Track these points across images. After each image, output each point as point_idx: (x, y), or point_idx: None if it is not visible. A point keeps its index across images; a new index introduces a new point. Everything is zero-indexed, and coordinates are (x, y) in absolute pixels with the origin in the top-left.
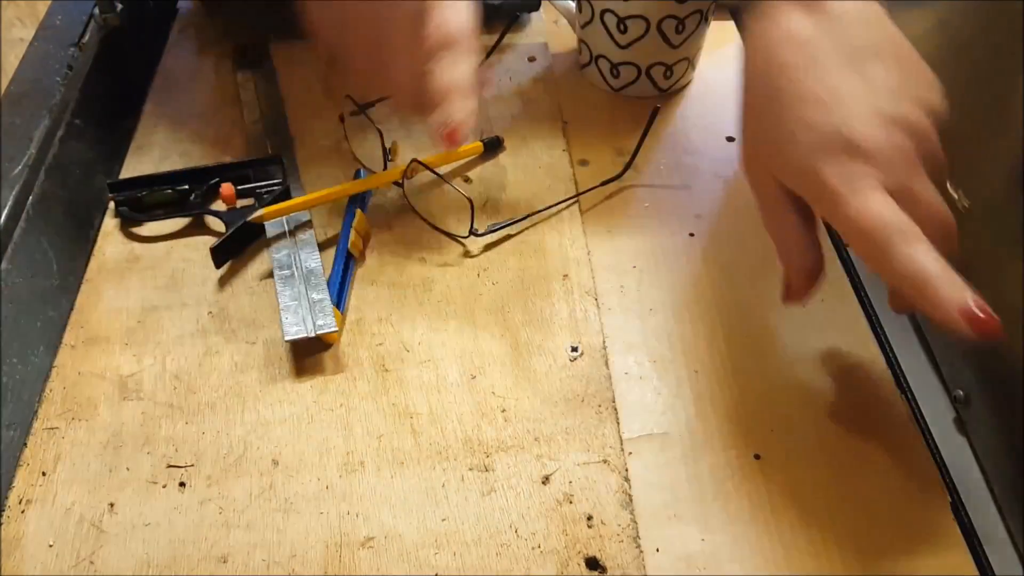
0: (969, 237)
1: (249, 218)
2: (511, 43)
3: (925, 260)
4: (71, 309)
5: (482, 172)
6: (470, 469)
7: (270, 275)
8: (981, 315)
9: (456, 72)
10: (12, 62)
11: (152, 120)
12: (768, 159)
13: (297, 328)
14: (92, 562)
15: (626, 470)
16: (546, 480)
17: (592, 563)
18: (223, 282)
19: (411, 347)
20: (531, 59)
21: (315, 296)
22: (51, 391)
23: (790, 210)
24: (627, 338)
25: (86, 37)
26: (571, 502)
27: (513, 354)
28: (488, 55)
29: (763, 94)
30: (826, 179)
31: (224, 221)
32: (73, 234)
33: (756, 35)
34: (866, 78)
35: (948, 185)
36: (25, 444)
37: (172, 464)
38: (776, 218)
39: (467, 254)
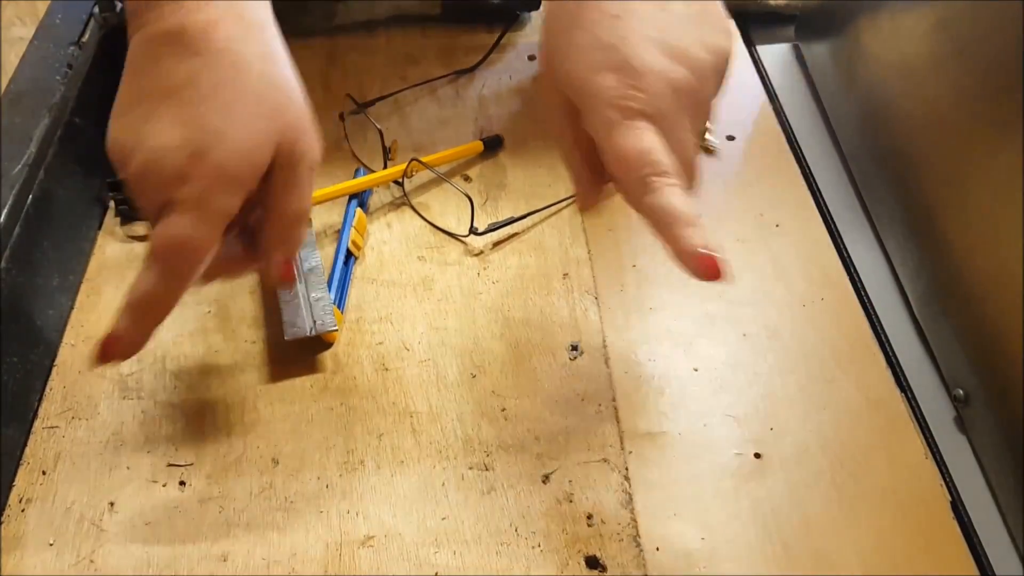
0: (970, 237)
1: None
2: (511, 42)
3: (674, 200)
4: (71, 308)
5: (482, 171)
6: (470, 468)
7: None
8: (711, 260)
9: (148, 287)
10: (12, 61)
11: None
12: (556, 70)
13: (297, 327)
14: (92, 561)
15: (626, 469)
16: (546, 479)
17: (592, 562)
18: (223, 281)
19: (411, 346)
20: (531, 58)
21: (315, 295)
22: (51, 390)
23: (568, 127)
24: (628, 337)
25: (86, 36)
26: (571, 501)
27: (513, 353)
28: (488, 54)
29: (564, 9)
30: (599, 98)
31: None
32: (73, 233)
33: None
34: (665, 8)
35: (708, 127)
36: (25, 443)
37: (172, 463)
38: (559, 130)
39: (467, 253)
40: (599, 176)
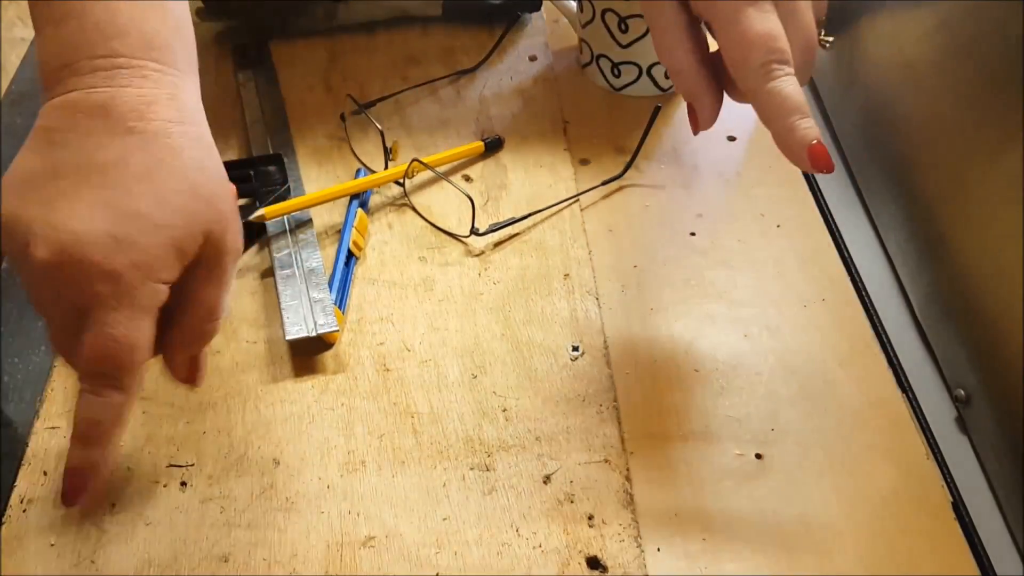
0: (970, 237)
1: (250, 217)
2: (512, 42)
3: (791, 91)
4: None
5: (483, 171)
6: (471, 468)
7: (271, 274)
8: (823, 150)
9: (98, 409)
10: (13, 61)
11: None
12: None
13: (298, 327)
14: (93, 561)
15: (627, 469)
16: (547, 479)
17: (593, 562)
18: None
19: (412, 346)
20: (532, 58)
21: (316, 295)
22: (52, 390)
23: (684, 34)
24: (628, 337)
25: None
26: (572, 501)
27: (514, 353)
28: (489, 55)
29: None
30: None
31: None
32: None
33: None
34: None
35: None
36: (27, 443)
37: (173, 463)
38: (671, 42)
39: (468, 253)
40: (714, 85)
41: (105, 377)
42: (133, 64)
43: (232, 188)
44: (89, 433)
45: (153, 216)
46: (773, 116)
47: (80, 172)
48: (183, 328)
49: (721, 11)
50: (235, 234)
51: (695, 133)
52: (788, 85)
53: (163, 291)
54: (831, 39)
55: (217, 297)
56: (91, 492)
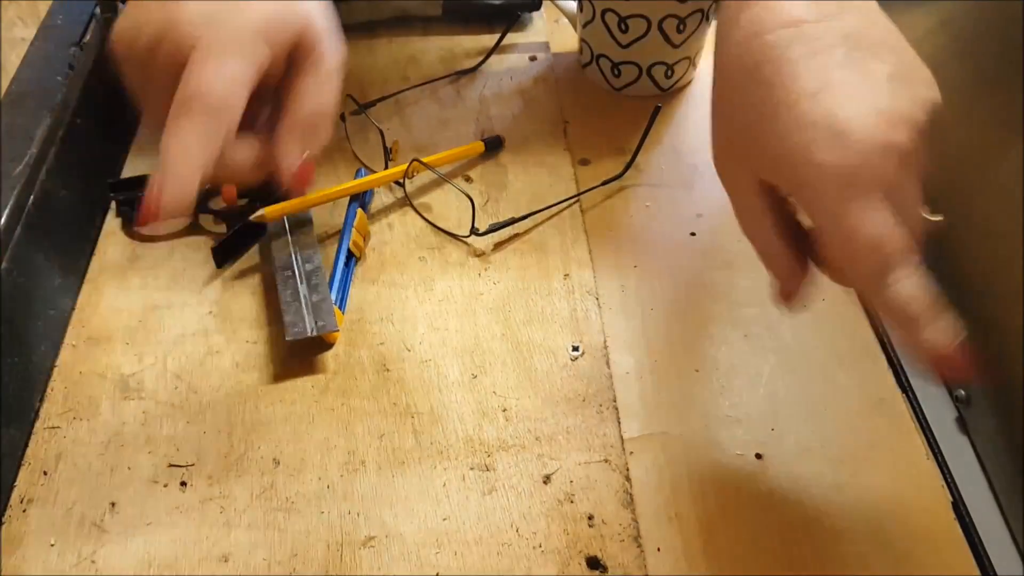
0: (971, 236)
1: (250, 218)
2: (512, 42)
3: (910, 296)
4: (72, 308)
5: (483, 171)
6: (471, 468)
7: (271, 275)
8: (956, 358)
9: (189, 135)
10: (13, 62)
11: None
12: (749, 153)
13: (298, 328)
14: (93, 561)
15: (627, 469)
16: (547, 479)
17: (593, 562)
18: (224, 282)
19: (412, 346)
20: (532, 58)
21: (316, 296)
22: (52, 390)
23: (768, 212)
24: (628, 337)
25: (87, 36)
26: (572, 501)
27: (514, 353)
28: (489, 55)
29: (745, 83)
30: (822, 177)
31: (225, 221)
32: (74, 234)
33: (739, 17)
34: (866, 72)
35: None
36: (27, 443)
37: (173, 463)
38: (753, 221)
39: (468, 253)
40: (803, 262)
41: (198, 107)
42: None
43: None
44: (177, 160)
45: (249, 7)
46: (895, 324)
47: None
48: (292, 125)
49: (822, 208)
50: (330, 43)
51: (783, 308)
52: (906, 289)
53: (251, 66)
54: (940, 217)
55: (322, 96)
56: (161, 220)
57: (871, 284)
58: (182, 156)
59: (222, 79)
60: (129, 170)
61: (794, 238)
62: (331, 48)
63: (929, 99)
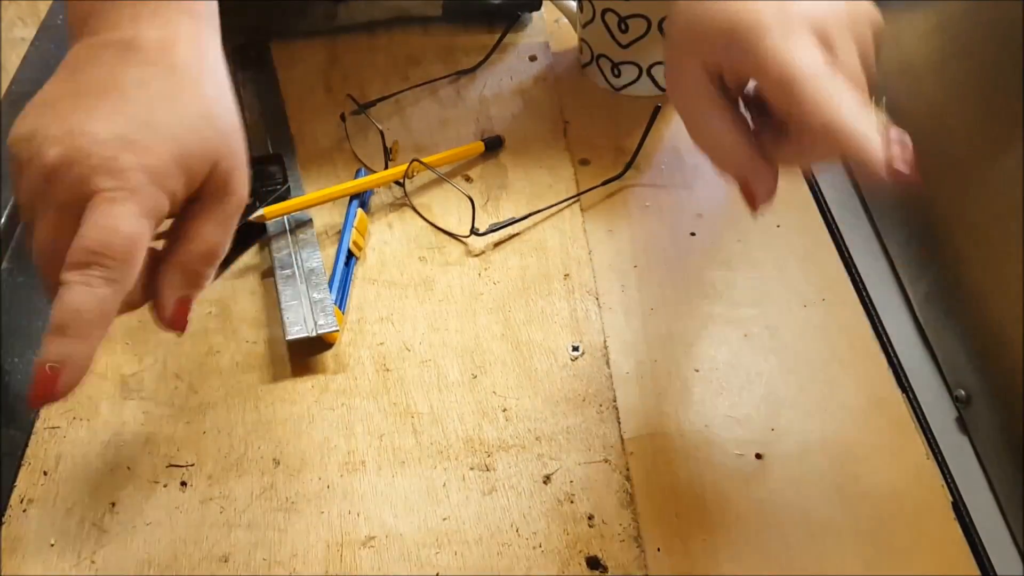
0: (971, 237)
1: (250, 218)
2: (512, 42)
3: (850, 100)
4: None
5: (483, 171)
6: (471, 468)
7: (271, 274)
8: (904, 153)
9: (84, 299)
10: (14, 61)
11: None
12: (699, 35)
13: (298, 328)
14: (93, 561)
15: (627, 469)
16: (547, 479)
17: (593, 562)
18: (224, 282)
19: (412, 346)
20: (532, 58)
21: (316, 295)
22: None
23: (718, 100)
24: (628, 338)
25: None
26: (572, 501)
27: (514, 353)
28: (489, 55)
29: None
30: (759, 22)
31: None
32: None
33: None
34: None
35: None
36: (27, 443)
37: (173, 463)
38: (704, 116)
39: (468, 253)
40: (759, 156)
41: (97, 267)
42: (157, 8)
43: (242, 139)
44: (69, 323)
45: (167, 127)
46: (840, 133)
47: (101, 89)
48: (177, 264)
49: (759, 54)
50: (241, 178)
51: (755, 212)
52: (844, 94)
53: (164, 201)
54: (883, 100)
55: (217, 238)
56: (59, 395)
57: (816, 110)
58: (76, 322)
59: (124, 235)
60: None
61: (750, 137)
62: (239, 183)
63: (866, 6)
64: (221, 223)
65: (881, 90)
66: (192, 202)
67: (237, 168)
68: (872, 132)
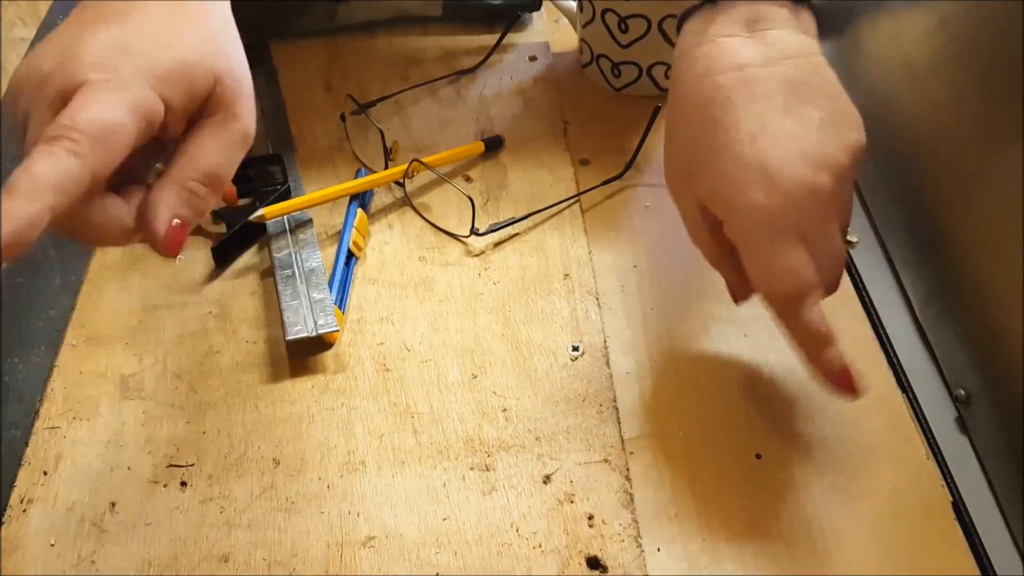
0: (971, 237)
1: (250, 218)
2: (512, 43)
3: (816, 322)
4: (72, 308)
5: (483, 171)
6: (471, 468)
7: (271, 275)
8: (848, 377)
9: (42, 164)
10: (13, 61)
11: None
12: (692, 182)
13: (298, 328)
14: (93, 561)
15: (627, 470)
16: (547, 479)
17: (593, 562)
18: (224, 282)
19: (412, 346)
20: (532, 58)
21: (316, 295)
22: (52, 390)
23: (709, 230)
24: (628, 337)
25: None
26: (572, 501)
27: (514, 353)
28: (489, 55)
29: (695, 117)
30: (747, 216)
31: (225, 221)
32: None
33: (695, 53)
34: (800, 118)
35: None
36: (27, 443)
37: (173, 463)
38: (697, 235)
39: (468, 253)
40: (743, 272)
41: (65, 140)
42: None
43: (247, 69)
44: (20, 182)
45: (168, 39)
46: (801, 345)
47: (105, 15)
48: (175, 180)
49: (744, 244)
50: (246, 105)
51: (737, 303)
52: (814, 316)
53: (156, 102)
54: (855, 239)
55: (218, 159)
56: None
57: (785, 310)
58: (28, 183)
59: (100, 116)
60: None
61: (724, 255)
62: (244, 109)
63: (855, 142)
64: (223, 146)
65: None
66: (195, 125)
67: (241, 93)
68: (828, 360)
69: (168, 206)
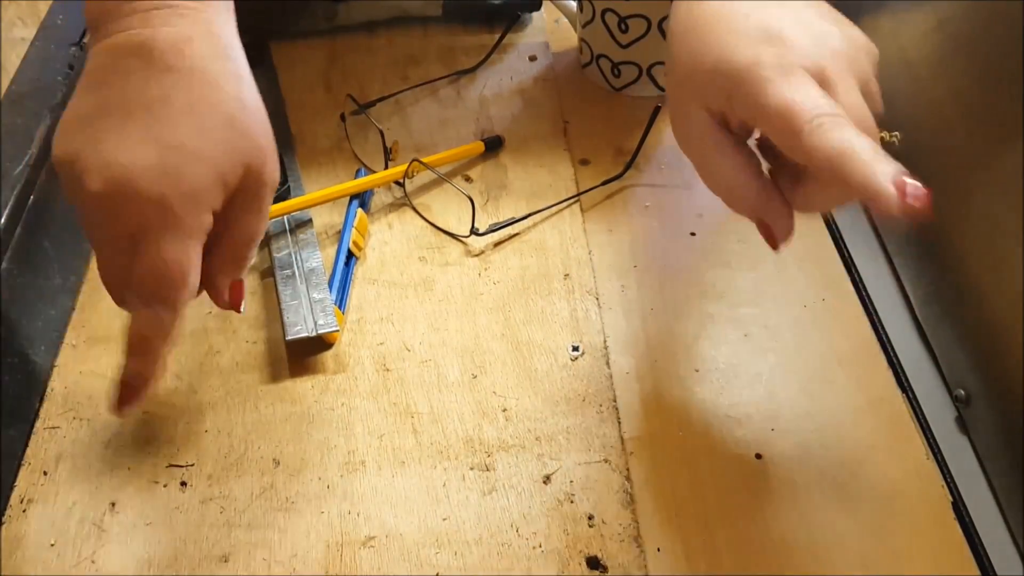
0: (971, 237)
1: None
2: (512, 42)
3: (850, 134)
4: (72, 308)
5: (483, 171)
6: (471, 468)
7: (271, 274)
8: (916, 188)
9: (151, 327)
10: (14, 61)
11: None
12: (697, 79)
13: (298, 328)
14: (93, 561)
15: (627, 470)
16: (547, 479)
17: (593, 562)
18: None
19: (412, 346)
20: (532, 58)
21: (316, 295)
22: (52, 390)
23: (724, 143)
24: (628, 337)
25: (87, 36)
26: (572, 501)
27: (514, 353)
28: (489, 55)
29: (696, 19)
30: (758, 66)
31: None
32: (74, 234)
33: None
34: (796, 7)
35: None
36: (27, 443)
37: (173, 463)
38: (712, 161)
39: (468, 253)
40: (771, 192)
41: (156, 297)
42: (170, 4)
43: (267, 123)
44: (141, 347)
45: (197, 148)
46: (840, 171)
47: (126, 109)
48: (223, 254)
49: (758, 95)
50: (272, 166)
51: (776, 250)
52: (844, 131)
53: (208, 218)
54: (897, 135)
55: (256, 225)
56: (139, 401)
57: (807, 139)
58: (147, 348)
59: (180, 262)
60: None
61: (764, 178)
62: (271, 173)
63: (859, 34)
64: (258, 211)
65: (895, 125)
66: (230, 197)
67: (267, 161)
68: (880, 167)
69: (225, 275)
